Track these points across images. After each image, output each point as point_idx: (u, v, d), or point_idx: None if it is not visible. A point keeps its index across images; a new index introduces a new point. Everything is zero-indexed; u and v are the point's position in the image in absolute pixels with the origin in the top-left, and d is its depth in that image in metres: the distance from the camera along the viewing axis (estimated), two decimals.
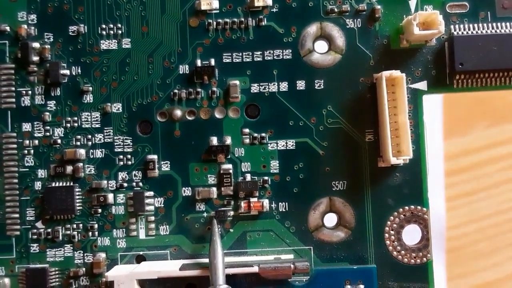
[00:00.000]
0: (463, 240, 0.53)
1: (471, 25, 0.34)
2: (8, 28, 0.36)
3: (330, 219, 0.34)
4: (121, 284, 0.32)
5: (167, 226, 0.35)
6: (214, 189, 0.35)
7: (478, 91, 0.34)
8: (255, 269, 0.32)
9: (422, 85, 0.34)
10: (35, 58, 0.36)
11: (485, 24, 0.34)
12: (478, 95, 0.52)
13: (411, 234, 0.33)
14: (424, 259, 0.33)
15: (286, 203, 0.35)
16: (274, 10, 0.35)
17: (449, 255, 0.53)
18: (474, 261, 0.53)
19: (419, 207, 0.34)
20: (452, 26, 0.34)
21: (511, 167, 0.54)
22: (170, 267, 0.32)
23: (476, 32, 0.33)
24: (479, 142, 0.54)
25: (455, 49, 0.33)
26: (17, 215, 0.36)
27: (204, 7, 0.35)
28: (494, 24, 0.34)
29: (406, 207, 0.34)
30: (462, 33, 0.33)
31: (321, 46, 0.35)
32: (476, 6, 0.34)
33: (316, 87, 0.35)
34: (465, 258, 0.53)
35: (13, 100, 0.36)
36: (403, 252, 0.33)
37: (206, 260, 0.32)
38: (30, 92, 0.36)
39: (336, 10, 0.34)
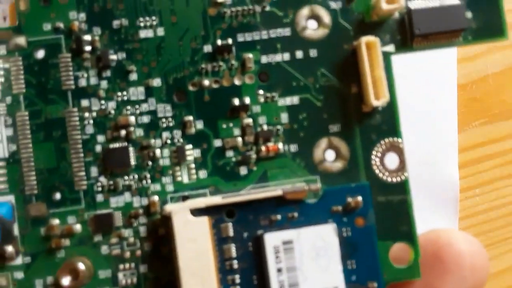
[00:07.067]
0: None
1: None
2: (62, 25, 0.45)
3: (330, 154, 0.45)
4: (176, 213, 0.42)
5: (205, 171, 0.45)
6: (239, 138, 0.45)
7: (433, 49, 0.44)
8: (279, 192, 0.42)
9: (390, 48, 0.45)
10: (88, 48, 0.45)
11: None
12: (473, 95, 0.56)
13: (391, 160, 0.44)
14: (402, 177, 0.44)
15: (296, 145, 0.45)
16: None
17: None
18: None
19: (395, 139, 0.45)
20: (409, 2, 0.45)
21: (505, 164, 0.57)
22: (213, 199, 0.43)
23: (428, 5, 0.44)
24: (474, 140, 0.57)
25: (413, 19, 0.44)
26: (83, 173, 0.45)
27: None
28: None
29: (386, 139, 0.45)
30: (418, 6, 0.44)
31: (313, 24, 0.46)
32: None
33: (311, 56, 0.45)
34: None
35: (72, 82, 0.45)
36: (386, 173, 0.44)
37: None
38: (85, 75, 0.45)
39: None
